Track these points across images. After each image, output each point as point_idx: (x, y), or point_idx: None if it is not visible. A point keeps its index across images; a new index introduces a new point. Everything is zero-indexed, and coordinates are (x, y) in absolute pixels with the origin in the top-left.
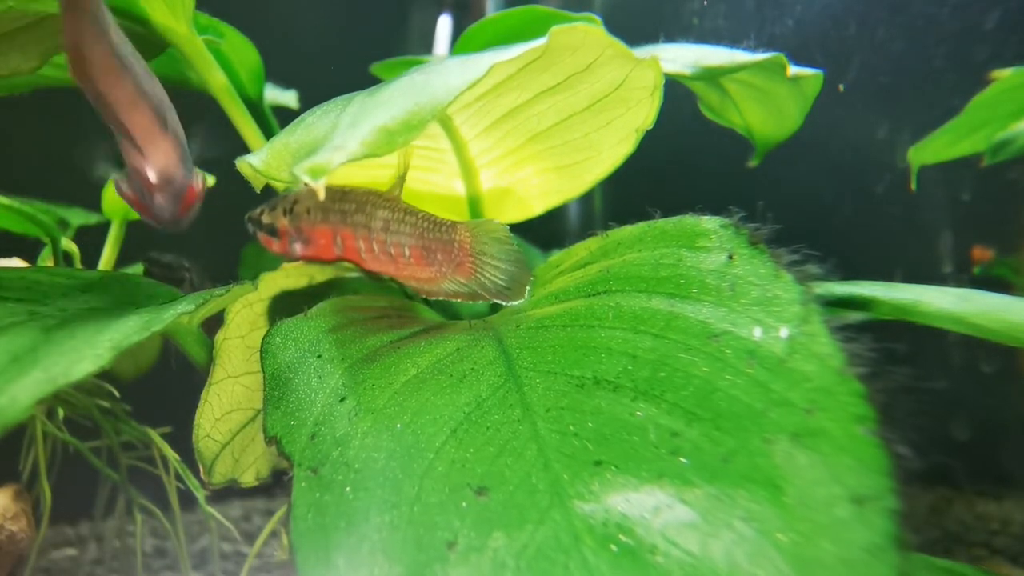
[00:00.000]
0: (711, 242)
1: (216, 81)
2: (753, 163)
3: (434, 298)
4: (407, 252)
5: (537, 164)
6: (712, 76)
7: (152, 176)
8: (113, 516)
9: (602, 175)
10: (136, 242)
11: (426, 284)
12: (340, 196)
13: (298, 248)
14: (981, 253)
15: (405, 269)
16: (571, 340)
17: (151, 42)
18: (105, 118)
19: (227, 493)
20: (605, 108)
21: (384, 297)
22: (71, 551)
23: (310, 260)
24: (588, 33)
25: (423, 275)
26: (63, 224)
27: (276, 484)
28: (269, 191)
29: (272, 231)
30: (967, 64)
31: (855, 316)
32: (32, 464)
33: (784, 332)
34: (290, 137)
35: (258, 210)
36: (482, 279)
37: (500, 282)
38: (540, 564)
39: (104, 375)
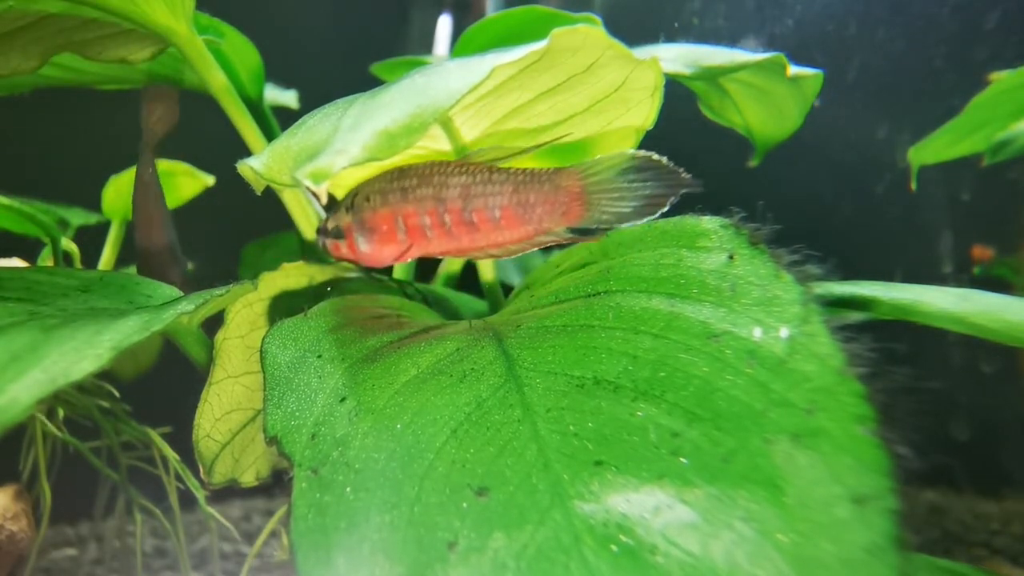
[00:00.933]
0: (711, 242)
1: (216, 81)
2: (753, 163)
3: (514, 256)
4: (497, 214)
5: (538, 164)
6: (712, 76)
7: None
8: (113, 516)
9: None
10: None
11: (515, 244)
12: (398, 174)
13: (363, 244)
14: (981, 252)
15: (490, 235)
16: (571, 340)
17: (151, 42)
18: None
19: (227, 493)
20: (605, 109)
21: (384, 297)
22: (71, 551)
23: (375, 263)
24: (588, 35)
25: (514, 235)
26: (63, 224)
27: (276, 484)
28: (269, 192)
29: (338, 234)
30: (967, 64)
31: (855, 316)
32: (32, 464)
33: (784, 332)
34: (291, 140)
35: (324, 219)
36: (601, 215)
37: (627, 209)
38: (540, 564)
39: (104, 375)
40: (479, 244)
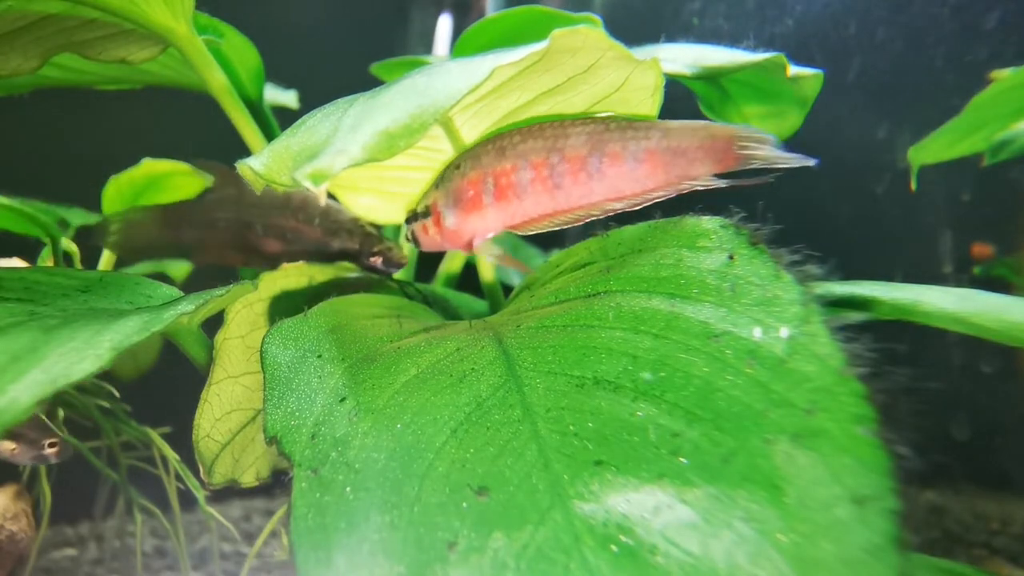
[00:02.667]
0: (711, 242)
1: (216, 81)
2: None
3: (635, 208)
4: (641, 157)
5: None
6: (712, 76)
7: None
8: (113, 516)
9: None
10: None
11: (649, 193)
12: (496, 136)
13: (450, 218)
14: (981, 249)
15: (617, 183)
16: (571, 340)
17: (151, 42)
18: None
19: (227, 493)
20: (606, 109)
21: (384, 297)
22: (71, 551)
23: (459, 241)
24: (589, 35)
25: (650, 183)
26: (63, 224)
27: (276, 484)
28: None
29: (426, 213)
30: (967, 64)
31: (855, 316)
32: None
33: (784, 332)
34: (291, 140)
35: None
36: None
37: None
38: (540, 564)
39: (104, 375)
40: (595, 197)
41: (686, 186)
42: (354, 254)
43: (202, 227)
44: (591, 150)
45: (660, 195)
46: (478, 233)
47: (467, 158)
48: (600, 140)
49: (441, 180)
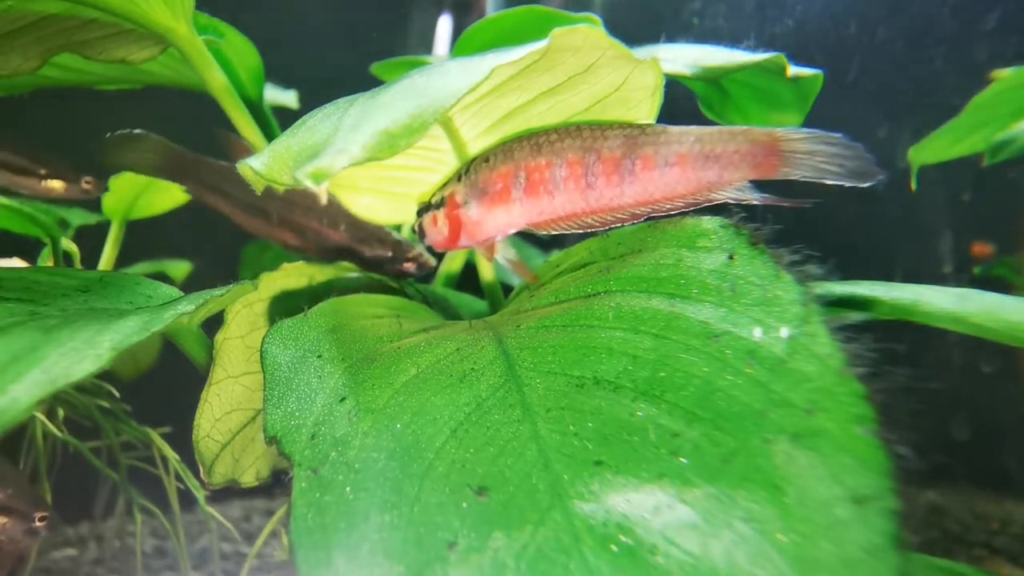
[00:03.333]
0: (711, 242)
1: (216, 81)
2: None
3: (665, 213)
4: (672, 160)
5: None
6: (712, 76)
7: None
8: (113, 516)
9: None
10: (136, 242)
11: (678, 199)
12: (529, 134)
13: (473, 209)
14: (981, 248)
15: (648, 186)
16: (571, 340)
17: (151, 42)
18: None
19: (227, 493)
20: (606, 109)
21: (384, 297)
22: (71, 551)
23: (477, 237)
24: (588, 35)
25: (681, 188)
26: (63, 224)
27: (276, 484)
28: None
29: (440, 204)
30: (967, 64)
31: (855, 316)
32: (32, 464)
33: (784, 332)
34: (291, 140)
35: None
36: (796, 169)
37: (825, 167)
38: (540, 564)
39: (104, 375)
40: (624, 200)
41: (720, 196)
42: (387, 261)
43: (208, 191)
44: (626, 152)
45: (690, 203)
46: (500, 228)
47: (498, 152)
48: (635, 143)
49: (466, 173)
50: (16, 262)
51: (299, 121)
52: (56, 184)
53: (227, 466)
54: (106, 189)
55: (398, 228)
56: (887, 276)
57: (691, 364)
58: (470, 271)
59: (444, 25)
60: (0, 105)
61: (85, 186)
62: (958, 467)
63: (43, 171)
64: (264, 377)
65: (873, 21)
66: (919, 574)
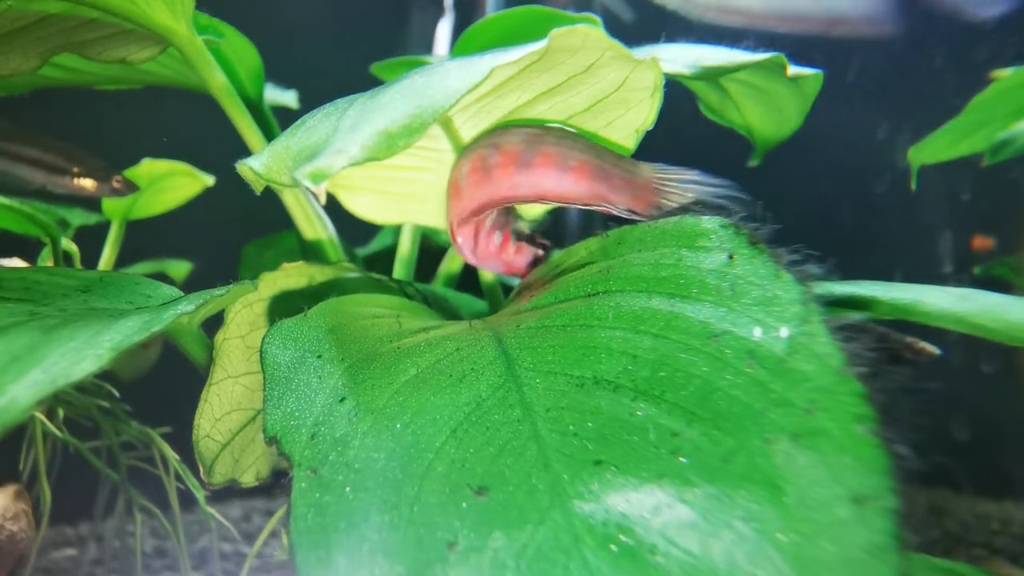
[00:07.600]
0: (711, 242)
1: (216, 81)
2: (753, 163)
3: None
4: (572, 163)
5: None
6: (712, 76)
7: None
8: (113, 516)
9: None
10: (136, 242)
11: (576, 202)
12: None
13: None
14: (982, 242)
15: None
16: (571, 340)
17: (151, 42)
18: None
19: (227, 493)
20: (605, 109)
21: (384, 297)
22: (71, 551)
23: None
24: (588, 35)
25: (576, 190)
26: (63, 224)
27: (276, 484)
28: (269, 192)
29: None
30: (967, 64)
31: (855, 316)
32: (32, 464)
33: (784, 332)
34: (290, 140)
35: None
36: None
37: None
38: (540, 564)
39: (104, 375)
40: (520, 191)
41: (601, 208)
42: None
43: None
44: (527, 148)
45: (583, 207)
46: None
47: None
48: (538, 140)
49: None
50: (16, 262)
51: (299, 121)
52: (88, 182)
53: (227, 466)
54: (136, 188)
55: (398, 228)
56: (887, 276)
57: (691, 364)
58: (470, 271)
59: (444, 25)
60: (0, 105)
61: (115, 185)
62: (958, 467)
63: (76, 169)
64: (264, 377)
65: (873, 21)
66: (919, 574)
